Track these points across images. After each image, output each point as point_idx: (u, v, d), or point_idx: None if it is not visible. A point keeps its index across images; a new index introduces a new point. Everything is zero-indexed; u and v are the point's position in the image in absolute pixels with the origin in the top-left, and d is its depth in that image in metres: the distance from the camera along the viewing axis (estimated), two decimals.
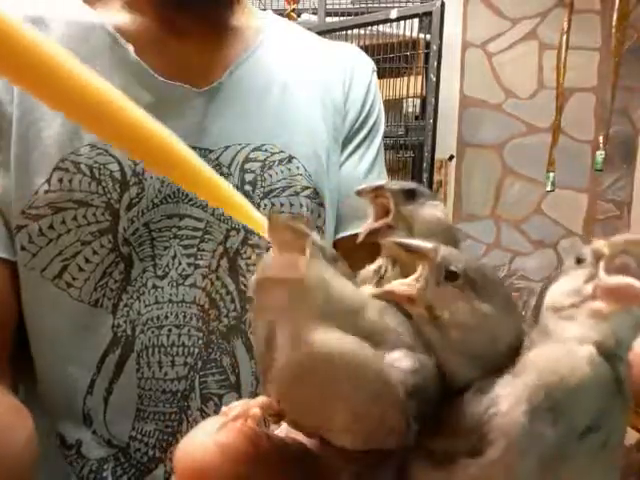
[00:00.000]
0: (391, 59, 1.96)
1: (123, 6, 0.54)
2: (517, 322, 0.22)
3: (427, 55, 1.88)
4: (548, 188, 1.70)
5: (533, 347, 0.20)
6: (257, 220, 0.23)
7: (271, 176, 0.54)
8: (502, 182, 2.37)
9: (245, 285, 0.53)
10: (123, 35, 0.52)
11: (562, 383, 0.18)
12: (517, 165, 2.34)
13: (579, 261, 0.20)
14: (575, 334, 0.19)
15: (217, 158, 0.53)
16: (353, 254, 0.26)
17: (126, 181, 0.50)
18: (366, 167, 0.63)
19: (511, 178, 2.36)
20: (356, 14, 2.09)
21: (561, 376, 0.18)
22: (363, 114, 0.64)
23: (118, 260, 0.50)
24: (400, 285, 0.21)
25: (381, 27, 1.95)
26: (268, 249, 0.21)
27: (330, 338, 0.19)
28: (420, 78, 1.93)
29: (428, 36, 1.87)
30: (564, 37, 1.64)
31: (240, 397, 0.54)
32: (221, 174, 0.53)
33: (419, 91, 1.94)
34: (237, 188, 0.53)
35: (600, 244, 0.19)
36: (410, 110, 2.02)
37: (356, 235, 0.29)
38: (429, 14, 1.81)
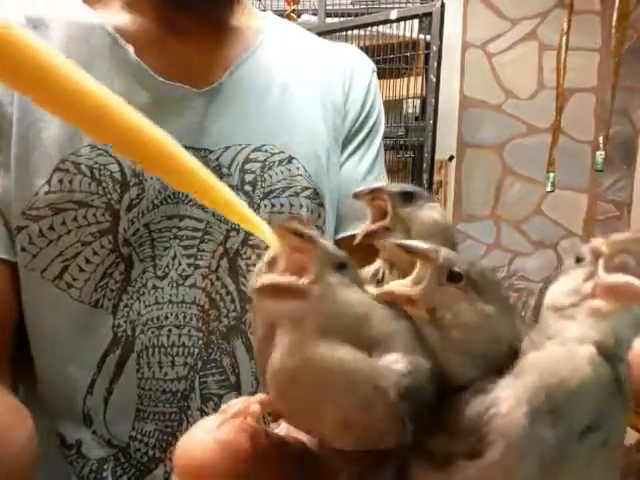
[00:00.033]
0: (391, 60, 1.96)
1: (123, 6, 0.54)
2: (516, 322, 0.22)
3: (427, 56, 1.88)
4: (548, 188, 1.70)
5: (533, 347, 0.20)
6: (255, 223, 0.23)
7: (271, 177, 0.54)
8: (502, 182, 2.37)
9: (245, 285, 0.53)
10: (123, 36, 0.52)
11: (563, 385, 0.18)
12: (517, 165, 2.34)
13: (578, 260, 0.20)
14: (575, 334, 0.19)
15: (217, 158, 0.53)
16: (352, 255, 0.26)
17: (126, 182, 0.50)
18: (366, 167, 0.63)
19: (511, 178, 2.36)
20: (356, 15, 2.09)
21: (562, 378, 0.18)
22: (363, 114, 0.64)
23: (118, 261, 0.50)
24: (399, 286, 0.21)
25: (381, 28, 1.95)
26: (267, 248, 0.21)
27: (325, 348, 0.19)
28: (420, 79, 1.93)
29: (428, 37, 1.87)
30: (564, 37, 1.64)
31: None
32: (221, 175, 0.53)
33: (419, 92, 1.94)
34: (237, 188, 0.53)
35: (599, 243, 0.19)
36: (410, 111, 2.03)
37: (355, 236, 0.29)
38: (429, 15, 1.82)
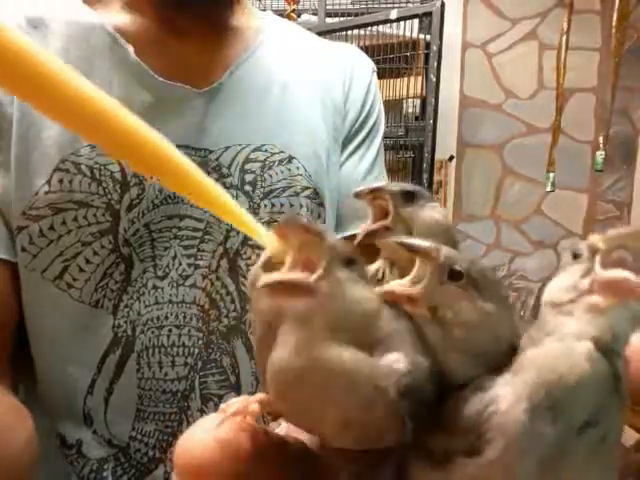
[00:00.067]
0: (391, 59, 1.96)
1: (123, 6, 0.54)
2: (515, 321, 0.22)
3: (427, 55, 1.88)
4: (548, 188, 1.70)
5: (532, 344, 0.20)
6: (251, 225, 0.23)
7: (271, 176, 0.54)
8: (502, 182, 2.37)
9: (245, 285, 0.54)
10: (123, 35, 0.52)
11: (561, 381, 0.18)
12: (517, 165, 2.34)
13: (576, 256, 0.20)
14: (573, 330, 0.19)
15: (217, 158, 0.53)
16: None
17: (126, 182, 0.50)
18: (366, 167, 0.63)
19: (511, 178, 2.36)
20: (356, 15, 2.09)
21: (560, 374, 0.18)
22: (363, 114, 0.64)
23: (118, 261, 0.50)
24: (399, 285, 0.21)
25: (381, 28, 1.95)
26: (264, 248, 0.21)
27: (333, 348, 0.19)
28: (420, 78, 1.93)
29: (428, 36, 1.87)
30: (564, 37, 1.64)
31: None
32: (221, 174, 0.53)
33: (419, 91, 1.94)
34: (237, 188, 0.53)
35: (596, 239, 0.19)
36: (410, 110, 2.03)
37: (356, 236, 0.29)
38: (429, 14, 1.82)
